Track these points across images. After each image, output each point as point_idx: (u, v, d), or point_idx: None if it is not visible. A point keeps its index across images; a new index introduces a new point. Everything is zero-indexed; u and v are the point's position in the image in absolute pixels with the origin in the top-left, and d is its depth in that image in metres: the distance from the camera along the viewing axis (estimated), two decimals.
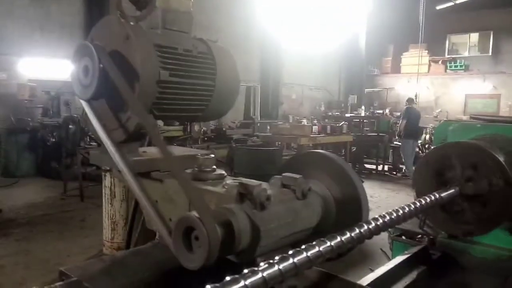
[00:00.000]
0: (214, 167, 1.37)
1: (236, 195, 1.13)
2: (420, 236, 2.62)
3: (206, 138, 9.06)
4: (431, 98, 19.88)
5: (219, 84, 1.61)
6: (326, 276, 1.61)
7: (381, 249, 4.60)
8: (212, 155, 1.39)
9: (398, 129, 11.33)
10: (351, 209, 1.32)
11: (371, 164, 12.64)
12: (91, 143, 8.03)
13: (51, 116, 9.30)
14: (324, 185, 1.37)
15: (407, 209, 1.43)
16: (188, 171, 1.35)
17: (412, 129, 10.92)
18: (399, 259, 2.16)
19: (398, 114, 13.99)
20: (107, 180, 4.21)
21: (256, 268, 0.91)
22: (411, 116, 10.93)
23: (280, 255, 0.98)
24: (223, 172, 1.38)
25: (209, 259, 1.00)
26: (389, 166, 12.37)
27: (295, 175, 1.27)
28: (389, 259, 2.85)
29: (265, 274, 0.90)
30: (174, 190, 1.30)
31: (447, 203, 1.87)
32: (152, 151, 1.55)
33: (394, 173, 12.15)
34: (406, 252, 2.30)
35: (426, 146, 12.06)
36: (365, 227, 1.23)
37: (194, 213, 1.05)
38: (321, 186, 1.37)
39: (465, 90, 19.43)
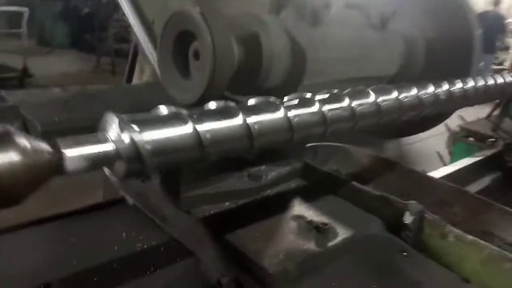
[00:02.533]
0: None
1: None
2: (492, 139, 2.16)
3: None
4: None
5: None
6: (381, 161, 1.18)
7: (437, 152, 4.02)
8: None
9: None
10: (453, 56, 0.84)
11: None
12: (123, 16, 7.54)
13: None
14: (411, 21, 0.87)
15: None
16: None
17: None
18: (468, 160, 1.75)
19: None
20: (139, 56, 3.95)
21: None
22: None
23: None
24: None
25: (213, 87, 0.58)
26: None
27: None
28: (445, 165, 2.41)
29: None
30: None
31: None
32: None
33: None
34: (476, 154, 1.90)
35: None
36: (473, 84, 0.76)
37: (196, 10, 0.59)
38: (406, 21, 0.87)
39: None
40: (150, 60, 0.90)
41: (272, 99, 0.76)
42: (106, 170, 0.64)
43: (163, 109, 0.66)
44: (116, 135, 0.58)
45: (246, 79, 0.73)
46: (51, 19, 8.83)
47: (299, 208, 0.90)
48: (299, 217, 0.86)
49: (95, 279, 0.73)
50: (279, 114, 0.79)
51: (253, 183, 0.91)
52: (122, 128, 0.56)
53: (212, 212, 0.83)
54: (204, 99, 0.69)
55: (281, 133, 0.78)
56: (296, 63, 0.72)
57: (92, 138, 0.57)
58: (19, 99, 1.18)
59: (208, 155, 0.65)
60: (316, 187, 1.00)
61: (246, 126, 0.71)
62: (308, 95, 0.83)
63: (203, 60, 0.64)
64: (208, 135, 0.66)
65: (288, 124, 0.78)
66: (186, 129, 0.65)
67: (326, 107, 0.86)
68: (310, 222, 0.83)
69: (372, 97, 0.95)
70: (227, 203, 0.87)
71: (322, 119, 0.84)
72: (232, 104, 0.73)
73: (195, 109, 0.69)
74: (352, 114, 0.90)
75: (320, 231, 0.81)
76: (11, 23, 7.43)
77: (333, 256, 0.78)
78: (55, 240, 0.83)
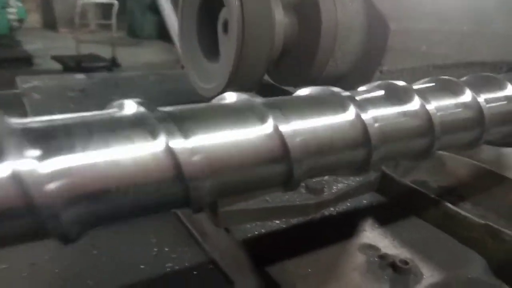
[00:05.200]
0: None
1: None
2: None
3: None
4: None
5: None
6: (484, 174, 0.93)
7: None
8: None
9: None
10: None
11: None
12: None
13: None
14: None
15: None
16: None
17: None
18: None
19: None
20: None
21: None
22: None
23: None
24: None
25: (244, 67, 0.42)
26: None
27: None
28: None
29: None
30: None
31: None
32: None
33: None
34: None
35: None
36: None
37: None
38: None
39: None
40: (174, 41, 0.73)
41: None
42: None
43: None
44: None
45: (298, 62, 0.54)
46: (140, 11, 9.24)
47: (371, 234, 0.69)
48: (370, 248, 0.66)
49: None
50: (466, 98, 0.58)
51: (311, 197, 0.72)
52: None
53: (256, 233, 0.66)
54: (234, 88, 0.51)
55: (470, 128, 0.57)
56: (373, 40, 0.51)
57: None
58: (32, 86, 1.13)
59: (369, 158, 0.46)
60: (396, 206, 0.79)
61: (426, 115, 0.52)
62: (402, 83, 0.58)
63: (231, 32, 0.46)
64: (376, 125, 0.47)
65: (479, 116, 0.58)
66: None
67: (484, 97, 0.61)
68: (384, 257, 0.62)
69: None
70: (276, 222, 0.69)
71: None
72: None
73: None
74: None
75: (397, 271, 0.60)
76: (102, 15, 7.89)
77: None
78: (72, 251, 0.71)
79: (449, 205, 0.73)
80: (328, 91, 0.50)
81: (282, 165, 0.40)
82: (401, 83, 0.51)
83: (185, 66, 0.63)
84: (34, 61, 6.42)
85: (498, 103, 0.63)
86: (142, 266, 0.68)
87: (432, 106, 0.54)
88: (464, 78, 0.62)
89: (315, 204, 0.72)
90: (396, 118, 0.52)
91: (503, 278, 0.64)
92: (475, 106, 0.59)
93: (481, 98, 0.60)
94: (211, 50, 0.59)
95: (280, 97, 0.45)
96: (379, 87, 0.54)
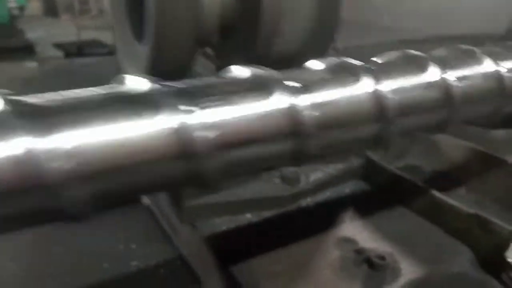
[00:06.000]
0: None
1: None
2: None
3: None
4: None
5: None
6: (481, 157, 0.87)
7: None
8: None
9: None
10: None
11: None
12: None
13: None
14: None
15: None
16: None
17: None
18: None
19: None
20: None
21: None
22: None
23: None
24: None
25: (162, 49, 0.38)
26: None
27: None
28: None
29: None
30: None
31: None
32: None
33: None
34: None
35: None
36: None
37: None
38: None
39: None
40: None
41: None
42: None
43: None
44: None
45: (242, 41, 0.48)
46: None
47: (350, 226, 0.64)
48: (347, 242, 0.61)
49: None
50: (487, 67, 0.58)
51: (286, 187, 0.67)
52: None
53: (224, 228, 0.62)
54: (158, 69, 0.46)
55: (491, 98, 0.58)
56: (325, 12, 0.45)
57: None
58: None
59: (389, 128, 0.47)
60: (381, 195, 0.74)
61: (444, 84, 0.52)
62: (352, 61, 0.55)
63: (148, 9, 0.41)
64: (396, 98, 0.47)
65: (500, 86, 0.58)
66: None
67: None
68: (361, 252, 0.58)
69: None
70: (248, 215, 0.65)
71: None
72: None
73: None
74: None
75: (373, 267, 0.55)
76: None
77: None
78: (33, 249, 0.68)
79: (437, 193, 0.68)
80: (342, 62, 0.49)
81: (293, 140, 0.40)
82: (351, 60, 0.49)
83: (117, 51, 0.58)
84: (36, 49, 6.38)
85: None
86: (105, 265, 0.64)
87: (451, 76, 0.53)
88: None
89: (291, 195, 0.67)
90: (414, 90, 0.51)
91: (492, 273, 0.59)
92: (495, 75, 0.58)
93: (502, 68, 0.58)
94: (140, 31, 0.54)
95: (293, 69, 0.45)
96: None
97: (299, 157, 0.43)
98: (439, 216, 0.66)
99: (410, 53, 0.56)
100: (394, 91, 0.49)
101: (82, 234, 0.71)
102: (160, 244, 0.69)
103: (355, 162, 0.76)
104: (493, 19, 0.73)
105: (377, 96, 0.47)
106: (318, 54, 0.53)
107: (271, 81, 0.42)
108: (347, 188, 0.74)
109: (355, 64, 0.49)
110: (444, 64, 0.54)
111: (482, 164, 0.88)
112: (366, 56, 0.48)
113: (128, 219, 0.76)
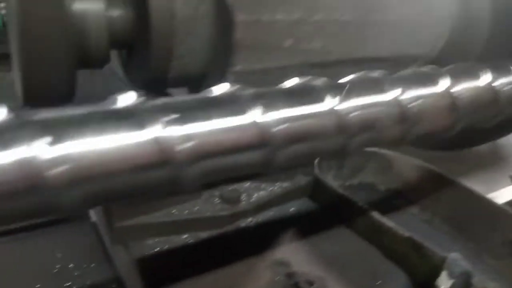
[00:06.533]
0: None
1: None
2: None
3: None
4: None
5: None
6: (431, 176, 0.88)
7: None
8: None
9: None
10: None
11: None
12: None
13: None
14: None
15: None
16: None
17: None
18: None
19: None
20: None
21: None
22: None
23: None
24: None
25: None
26: None
27: None
28: None
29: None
30: None
31: None
32: None
33: None
34: None
35: None
36: None
37: None
38: None
39: None
40: None
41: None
42: None
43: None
44: None
45: (139, 62, 0.47)
46: None
47: (287, 248, 0.64)
48: (281, 264, 0.60)
49: None
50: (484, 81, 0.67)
51: (225, 207, 0.66)
52: None
53: (156, 250, 0.61)
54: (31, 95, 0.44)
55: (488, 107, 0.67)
56: (221, 34, 0.43)
57: None
58: None
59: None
60: (326, 214, 0.73)
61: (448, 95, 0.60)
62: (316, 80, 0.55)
63: (12, 31, 0.40)
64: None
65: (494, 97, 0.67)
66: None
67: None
68: (291, 275, 0.57)
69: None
70: (184, 236, 0.64)
71: None
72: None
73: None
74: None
75: None
76: None
77: None
78: None
79: (376, 214, 0.67)
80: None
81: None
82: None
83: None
84: None
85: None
86: (37, 286, 0.63)
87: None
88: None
89: (229, 215, 0.66)
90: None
91: None
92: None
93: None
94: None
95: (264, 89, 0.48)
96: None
97: (268, 166, 0.48)
98: (379, 238, 0.66)
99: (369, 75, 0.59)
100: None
101: (21, 250, 0.69)
102: (100, 265, 0.68)
103: (303, 180, 0.76)
104: (421, 40, 0.72)
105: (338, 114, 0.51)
106: (219, 78, 0.52)
107: (243, 99, 0.47)
108: (293, 207, 0.74)
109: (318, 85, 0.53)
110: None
111: (434, 183, 0.88)
112: (270, 79, 0.47)
113: (72, 235, 0.74)
